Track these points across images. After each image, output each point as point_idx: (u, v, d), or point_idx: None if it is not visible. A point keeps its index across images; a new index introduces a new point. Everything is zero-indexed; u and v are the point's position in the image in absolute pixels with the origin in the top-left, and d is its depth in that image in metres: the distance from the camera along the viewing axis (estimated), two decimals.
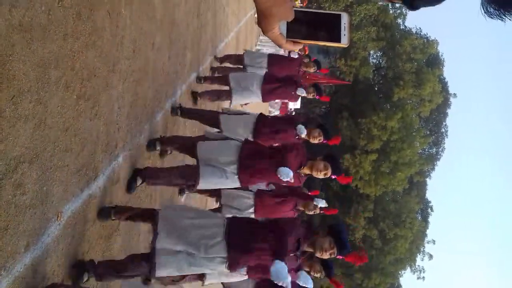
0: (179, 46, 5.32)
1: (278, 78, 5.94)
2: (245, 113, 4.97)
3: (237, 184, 3.96)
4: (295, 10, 1.08)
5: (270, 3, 0.97)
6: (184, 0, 5.52)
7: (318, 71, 7.38)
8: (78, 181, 2.83)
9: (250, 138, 4.59)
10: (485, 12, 0.72)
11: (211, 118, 4.96)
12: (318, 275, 3.92)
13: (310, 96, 6.31)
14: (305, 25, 1.14)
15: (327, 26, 1.14)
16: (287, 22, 1.09)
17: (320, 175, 4.10)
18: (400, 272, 35.27)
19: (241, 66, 6.97)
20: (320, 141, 4.99)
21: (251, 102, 6.37)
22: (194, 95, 6.08)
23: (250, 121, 4.80)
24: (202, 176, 3.78)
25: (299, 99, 14.33)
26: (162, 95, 4.66)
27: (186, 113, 5.13)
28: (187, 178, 3.83)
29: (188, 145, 4.12)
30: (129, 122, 3.73)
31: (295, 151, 3.97)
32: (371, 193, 29.34)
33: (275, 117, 6.92)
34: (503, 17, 0.72)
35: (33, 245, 2.34)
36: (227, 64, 7.36)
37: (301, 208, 4.95)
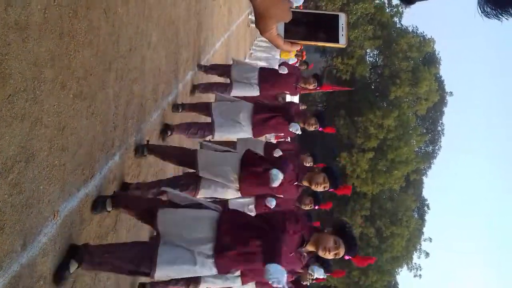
0: (175, 45, 5.31)
1: (271, 107, 5.27)
2: (228, 151, 4.16)
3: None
4: (292, 11, 1.08)
5: (268, 4, 0.98)
6: None
7: (318, 88, 6.27)
8: (75, 180, 2.83)
9: (236, 185, 3.89)
10: (482, 11, 0.72)
11: (186, 156, 4.07)
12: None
13: (312, 128, 5.32)
14: (303, 26, 1.14)
15: (324, 27, 1.15)
16: (285, 23, 1.09)
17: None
18: (396, 270, 35.35)
19: (228, 81, 6.14)
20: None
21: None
22: (167, 128, 4.86)
23: (234, 161, 3.95)
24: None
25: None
26: (158, 94, 4.66)
27: (153, 150, 4.15)
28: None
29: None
30: (126, 121, 3.72)
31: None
32: (368, 191, 29.39)
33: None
34: (500, 16, 0.72)
35: (30, 244, 2.34)
36: (213, 76, 6.48)
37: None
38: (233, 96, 5.54)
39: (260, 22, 1.02)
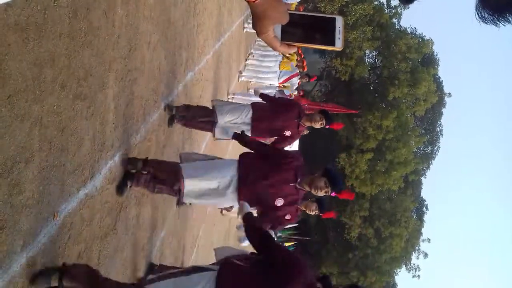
0: (175, 45, 5.31)
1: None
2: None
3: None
4: (290, 13, 1.08)
5: (265, 7, 0.98)
6: (180, 0, 5.52)
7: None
8: (75, 181, 2.83)
9: None
10: (479, 17, 0.73)
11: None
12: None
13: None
14: (300, 28, 1.14)
15: (321, 29, 1.15)
16: (282, 25, 1.09)
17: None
18: (395, 271, 35.41)
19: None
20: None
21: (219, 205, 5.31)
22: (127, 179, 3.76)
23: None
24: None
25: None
26: (158, 95, 4.66)
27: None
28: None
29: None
30: (126, 122, 3.72)
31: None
32: (366, 192, 29.42)
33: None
34: (497, 22, 0.72)
35: (30, 244, 2.34)
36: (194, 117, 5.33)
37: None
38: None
39: (257, 24, 1.02)
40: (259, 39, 14.54)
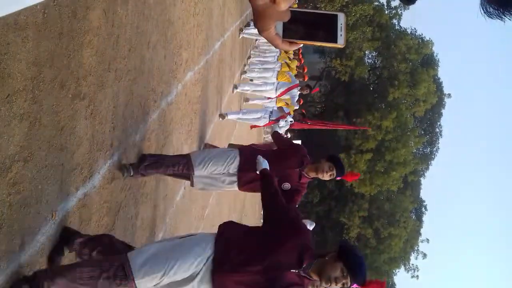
0: (175, 45, 5.31)
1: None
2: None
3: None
4: (291, 10, 1.08)
5: (266, 3, 0.98)
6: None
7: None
8: (73, 180, 2.83)
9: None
10: (484, 12, 0.72)
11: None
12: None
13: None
14: (302, 25, 1.14)
15: (323, 26, 1.15)
16: (283, 22, 1.09)
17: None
18: (394, 271, 35.44)
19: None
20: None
21: None
22: None
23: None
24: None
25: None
26: (158, 95, 4.66)
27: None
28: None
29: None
30: (125, 121, 3.72)
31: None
32: (366, 192, 29.46)
33: None
34: (503, 16, 0.71)
35: (28, 244, 2.34)
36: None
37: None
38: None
39: (259, 21, 1.02)
40: (256, 42, 13.70)
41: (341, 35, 1.14)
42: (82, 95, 2.89)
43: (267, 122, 9.11)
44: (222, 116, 8.88)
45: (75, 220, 2.86)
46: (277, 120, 8.73)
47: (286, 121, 8.76)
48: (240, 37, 12.41)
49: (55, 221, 2.62)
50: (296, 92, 10.41)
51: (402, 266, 35.13)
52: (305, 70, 13.45)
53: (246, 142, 9.66)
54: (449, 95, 34.04)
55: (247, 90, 11.48)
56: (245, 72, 12.47)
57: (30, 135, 2.33)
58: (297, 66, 12.72)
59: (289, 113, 9.05)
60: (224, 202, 10.67)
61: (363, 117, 28.49)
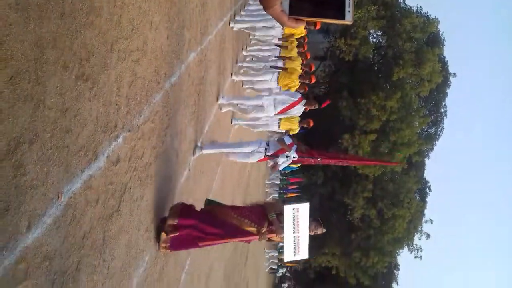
0: (178, 25, 5.26)
1: None
2: None
3: None
4: None
5: None
6: None
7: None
8: (78, 162, 2.83)
9: None
10: None
11: None
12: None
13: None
14: (308, 2, 1.11)
15: (330, 3, 1.11)
16: None
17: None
18: (397, 251, 35.66)
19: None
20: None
21: None
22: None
23: None
24: None
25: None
26: (161, 75, 4.63)
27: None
28: None
29: None
30: (128, 103, 3.71)
31: None
32: (370, 173, 29.45)
33: None
34: None
35: (35, 225, 2.35)
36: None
37: None
38: None
39: None
40: (253, 38, 12.09)
41: (349, 11, 1.11)
42: (86, 77, 2.87)
43: (262, 157, 6.87)
44: (199, 149, 6.63)
45: (81, 202, 2.88)
46: (275, 156, 6.76)
47: (287, 156, 6.66)
48: (231, 28, 9.95)
49: (61, 203, 2.63)
50: (300, 109, 7.98)
51: (406, 246, 35.33)
52: (312, 69, 11.26)
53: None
54: (455, 74, 33.71)
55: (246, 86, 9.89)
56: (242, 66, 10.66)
57: (35, 117, 2.32)
58: (302, 64, 10.32)
59: (291, 145, 6.62)
60: (228, 185, 10.71)
61: (367, 97, 28.30)
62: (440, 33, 31.28)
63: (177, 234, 4.52)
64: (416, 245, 35.81)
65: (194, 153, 6.44)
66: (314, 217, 4.84)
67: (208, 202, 5.23)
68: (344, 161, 7.28)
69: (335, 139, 30.41)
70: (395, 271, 40.36)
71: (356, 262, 33.13)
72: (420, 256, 35.94)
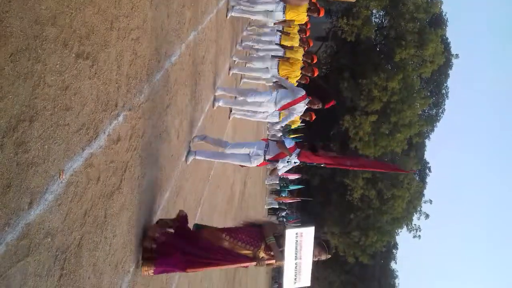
0: (178, 3, 5.21)
1: None
2: None
3: None
4: None
5: None
6: None
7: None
8: (79, 140, 2.85)
9: None
10: None
11: None
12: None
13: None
14: None
15: None
16: None
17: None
18: (396, 231, 36.01)
19: None
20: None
21: None
22: None
23: None
24: None
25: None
26: (161, 54, 4.61)
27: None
28: None
29: None
30: (129, 82, 3.70)
31: None
32: (370, 154, 29.52)
33: None
34: None
35: (36, 202, 2.38)
36: None
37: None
38: None
39: None
40: (249, 29, 11.71)
41: None
42: (86, 55, 2.86)
43: (261, 161, 6.34)
44: (192, 153, 6.19)
45: (82, 179, 2.90)
46: (275, 161, 6.31)
47: (288, 161, 6.22)
48: (228, 17, 9.15)
49: (63, 180, 2.65)
50: (302, 107, 7.48)
51: (405, 226, 35.64)
52: (315, 61, 10.66)
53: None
54: (457, 55, 33.46)
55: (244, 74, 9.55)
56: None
57: (35, 95, 2.32)
58: (304, 53, 10.05)
59: (292, 149, 6.15)
60: (228, 168, 10.74)
61: (369, 78, 28.16)
62: (443, 14, 30.95)
63: (163, 256, 4.09)
64: (415, 224, 36.14)
65: (192, 141, 6.37)
66: (319, 240, 4.34)
67: (197, 227, 4.64)
68: (354, 165, 7.04)
69: (336, 121, 30.39)
70: (393, 250, 40.84)
71: (355, 241, 33.47)
72: (419, 236, 36.30)
